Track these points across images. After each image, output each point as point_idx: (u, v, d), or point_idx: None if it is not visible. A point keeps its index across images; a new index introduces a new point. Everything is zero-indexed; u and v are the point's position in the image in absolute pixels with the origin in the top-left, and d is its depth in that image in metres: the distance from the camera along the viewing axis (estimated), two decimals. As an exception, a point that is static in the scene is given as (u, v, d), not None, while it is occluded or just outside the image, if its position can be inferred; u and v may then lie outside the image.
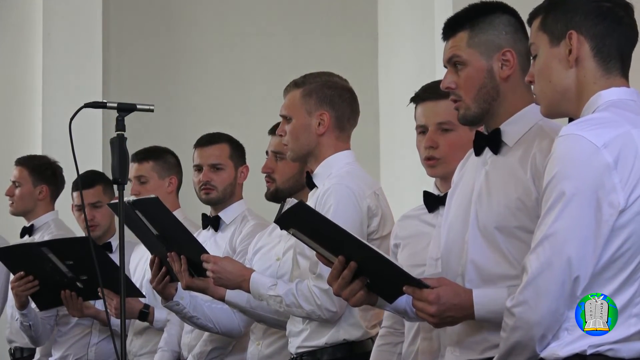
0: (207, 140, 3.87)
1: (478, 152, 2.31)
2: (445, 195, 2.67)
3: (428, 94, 2.76)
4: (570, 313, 1.87)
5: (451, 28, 2.32)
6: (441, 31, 2.34)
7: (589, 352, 1.86)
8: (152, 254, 3.45)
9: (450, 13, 2.86)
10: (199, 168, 3.82)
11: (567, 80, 2.01)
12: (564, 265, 1.84)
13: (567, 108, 2.03)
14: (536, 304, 1.86)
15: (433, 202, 2.82)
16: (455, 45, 2.29)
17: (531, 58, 2.09)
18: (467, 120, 2.32)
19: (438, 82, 2.44)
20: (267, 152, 3.55)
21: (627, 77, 2.02)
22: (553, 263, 1.85)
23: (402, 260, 2.85)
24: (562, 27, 2.00)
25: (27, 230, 4.67)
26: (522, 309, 1.88)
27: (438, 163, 2.75)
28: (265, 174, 3.50)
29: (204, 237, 3.80)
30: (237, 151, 3.87)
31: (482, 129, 2.34)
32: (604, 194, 1.84)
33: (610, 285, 1.87)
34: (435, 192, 2.83)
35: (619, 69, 2.01)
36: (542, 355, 1.89)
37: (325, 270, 2.50)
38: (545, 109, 2.07)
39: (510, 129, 2.25)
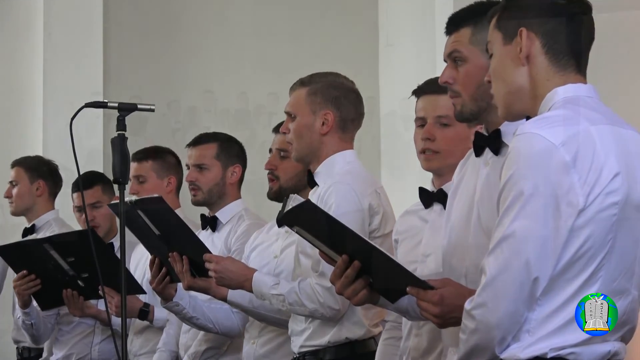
0: (195, 141, 3.88)
1: (478, 153, 2.31)
2: (439, 191, 2.69)
3: (430, 87, 2.76)
4: (530, 314, 1.85)
5: (454, 23, 2.31)
6: (444, 25, 2.33)
7: (549, 355, 1.84)
8: (151, 254, 3.45)
9: (451, 12, 2.86)
10: (188, 168, 3.84)
11: (520, 79, 1.99)
12: (523, 267, 1.82)
13: (523, 108, 2.01)
14: (495, 306, 1.84)
15: (427, 198, 2.82)
16: (457, 40, 2.29)
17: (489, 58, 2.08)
18: (463, 117, 2.32)
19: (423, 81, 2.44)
20: (270, 150, 3.55)
21: (584, 74, 2.00)
22: (511, 264, 1.82)
23: (399, 256, 2.85)
24: (514, 24, 1.99)
25: (29, 231, 4.69)
26: (481, 311, 1.86)
27: (434, 157, 2.75)
28: (268, 172, 3.50)
29: (202, 237, 3.80)
30: (227, 151, 3.84)
31: (481, 129, 2.34)
32: (563, 193, 1.82)
33: (571, 286, 1.85)
34: (430, 188, 2.84)
35: (574, 65, 1.98)
36: (503, 356, 1.87)
37: (328, 268, 2.51)
38: (502, 110, 2.06)
39: (511, 130, 2.24)
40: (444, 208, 2.72)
